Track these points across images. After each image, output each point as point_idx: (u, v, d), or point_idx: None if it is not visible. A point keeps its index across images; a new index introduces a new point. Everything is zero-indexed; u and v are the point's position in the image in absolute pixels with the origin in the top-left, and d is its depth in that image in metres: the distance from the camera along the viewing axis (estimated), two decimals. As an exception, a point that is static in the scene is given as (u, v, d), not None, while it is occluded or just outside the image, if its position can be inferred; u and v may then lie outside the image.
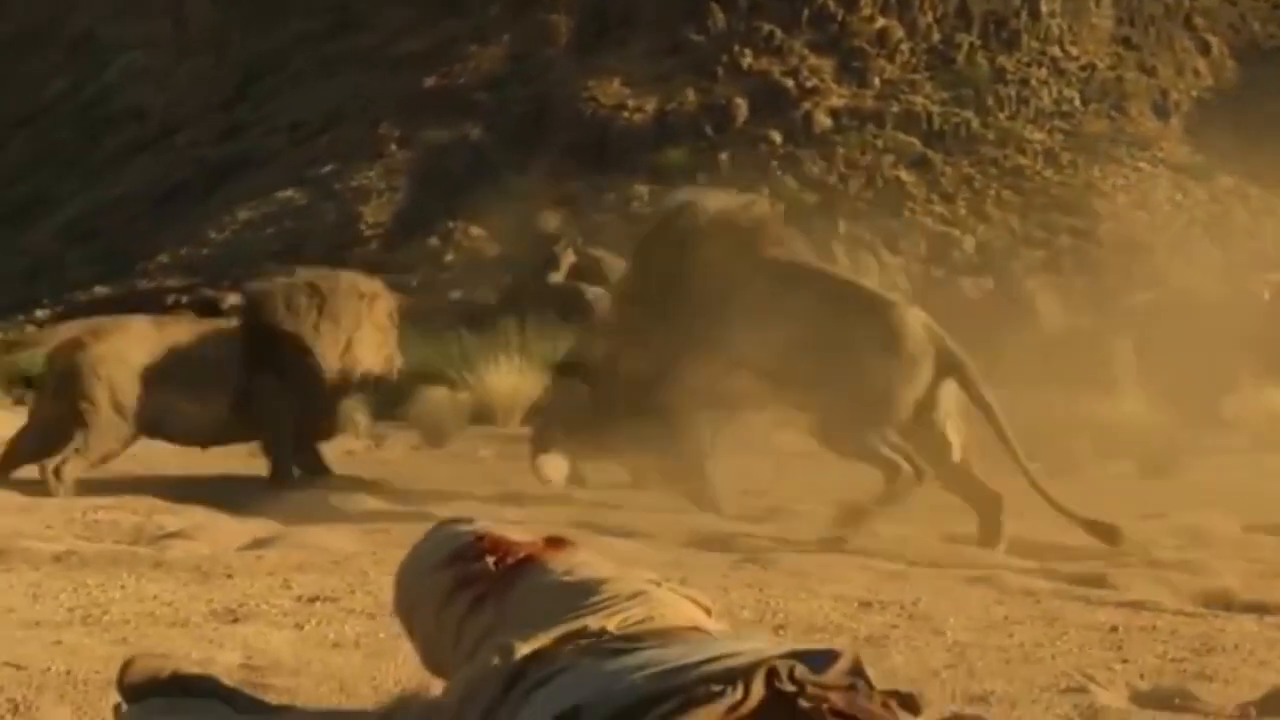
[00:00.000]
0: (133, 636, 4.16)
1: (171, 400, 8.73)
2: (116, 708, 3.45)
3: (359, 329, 9.36)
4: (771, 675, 1.67)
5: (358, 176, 34.47)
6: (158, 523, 6.34)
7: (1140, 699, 3.80)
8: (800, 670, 1.69)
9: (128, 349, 8.77)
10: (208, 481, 8.59)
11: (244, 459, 9.80)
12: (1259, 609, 5.03)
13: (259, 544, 5.98)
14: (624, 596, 2.25)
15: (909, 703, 1.74)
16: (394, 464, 11.00)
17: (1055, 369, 13.09)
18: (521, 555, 2.49)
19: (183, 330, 9.42)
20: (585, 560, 2.47)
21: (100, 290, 32.93)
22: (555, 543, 2.55)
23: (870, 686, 1.74)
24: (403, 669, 3.93)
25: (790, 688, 1.66)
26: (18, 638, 4.14)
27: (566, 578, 2.37)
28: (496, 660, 2.12)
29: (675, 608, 2.31)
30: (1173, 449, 11.01)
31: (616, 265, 25.03)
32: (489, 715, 2.03)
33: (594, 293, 23.96)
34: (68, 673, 3.72)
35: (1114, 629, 4.60)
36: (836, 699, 1.66)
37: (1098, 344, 16.14)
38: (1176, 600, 5.16)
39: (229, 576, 5.17)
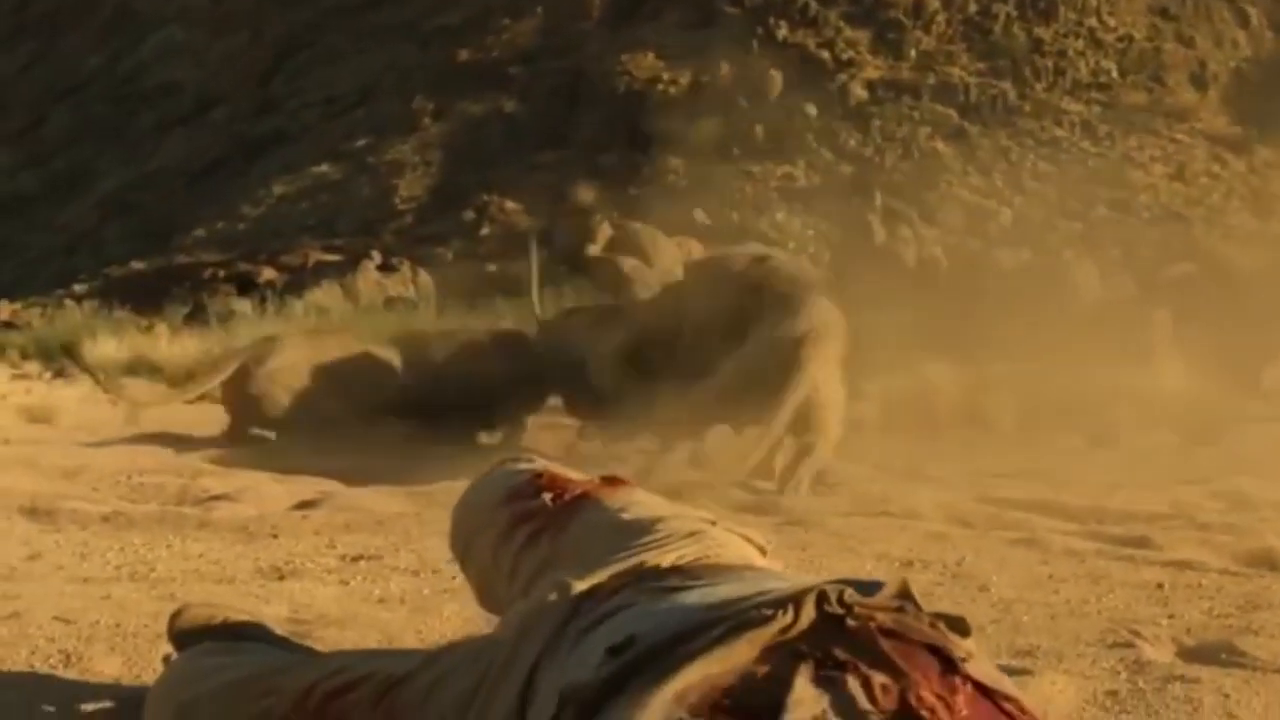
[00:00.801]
0: (180, 592, 4.19)
1: None
2: (166, 658, 3.47)
3: None
4: (821, 599, 1.68)
5: (392, 151, 34.50)
6: (202, 485, 6.38)
7: (1186, 654, 3.79)
8: (850, 594, 1.69)
9: None
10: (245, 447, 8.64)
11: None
12: (1303, 569, 5.01)
13: (304, 505, 6.02)
14: (680, 535, 2.26)
15: (958, 625, 1.74)
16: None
17: (1094, 340, 13.02)
18: (578, 492, 2.51)
19: None
20: (641, 499, 2.47)
21: (137, 265, 33.08)
22: (611, 481, 2.57)
23: (918, 609, 1.74)
24: (448, 624, 3.96)
25: (839, 610, 1.66)
26: (67, 593, 4.19)
27: (623, 515, 2.38)
28: (554, 596, 2.12)
29: (731, 546, 2.31)
30: (1213, 419, 10.97)
31: (652, 238, 24.99)
32: (546, 651, 2.04)
33: (630, 264, 23.92)
34: (116, 625, 3.76)
35: (1159, 586, 4.59)
36: (884, 618, 1.67)
37: (1136, 315, 16.06)
38: (1220, 560, 5.14)
39: (274, 536, 5.21)
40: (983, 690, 1.60)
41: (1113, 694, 3.27)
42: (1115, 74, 28.89)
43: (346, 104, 36.85)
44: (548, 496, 2.50)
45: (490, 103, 33.85)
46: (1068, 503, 6.78)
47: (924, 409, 11.59)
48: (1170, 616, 4.16)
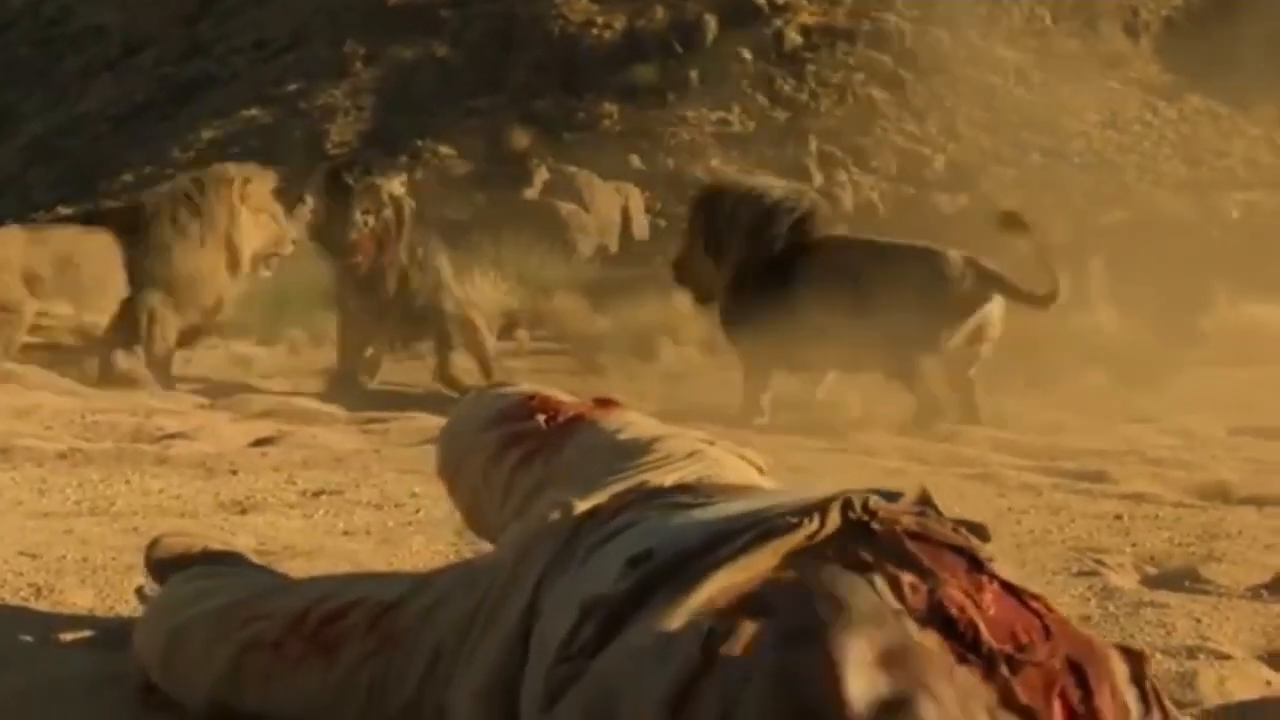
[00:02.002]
0: (142, 526, 4.15)
1: None
2: (139, 590, 3.45)
3: (234, 219, 9.46)
4: (846, 506, 1.68)
5: (323, 95, 34.12)
6: (156, 424, 6.32)
7: (1150, 581, 3.85)
8: (874, 500, 1.70)
9: None
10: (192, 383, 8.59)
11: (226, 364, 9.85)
12: (1257, 501, 5.09)
13: (261, 443, 5.98)
14: (680, 455, 2.26)
15: (979, 530, 1.75)
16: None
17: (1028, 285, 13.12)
18: (572, 414, 2.50)
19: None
20: (635, 420, 2.47)
21: (63, 210, 32.62)
22: (604, 403, 2.56)
23: (940, 514, 1.76)
24: (417, 556, 3.96)
25: (864, 516, 1.67)
26: (29, 527, 4.14)
27: (619, 436, 2.37)
28: (556, 515, 2.12)
29: (730, 466, 2.31)
30: (1150, 362, 11.11)
31: (588, 181, 25.06)
32: (550, 569, 2.03)
33: (567, 209, 23.90)
34: (84, 559, 3.73)
35: (1118, 517, 4.65)
36: (909, 522, 1.68)
37: (1071, 260, 16.20)
38: (1175, 494, 5.23)
39: (233, 473, 5.17)
40: (1009, 589, 1.61)
41: (1085, 619, 3.31)
42: (1049, 21, 28.97)
43: (276, 48, 36.39)
44: (541, 418, 2.49)
45: (423, 47, 33.53)
46: (1017, 440, 6.87)
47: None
48: (1133, 545, 4.22)
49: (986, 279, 8.02)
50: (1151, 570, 3.97)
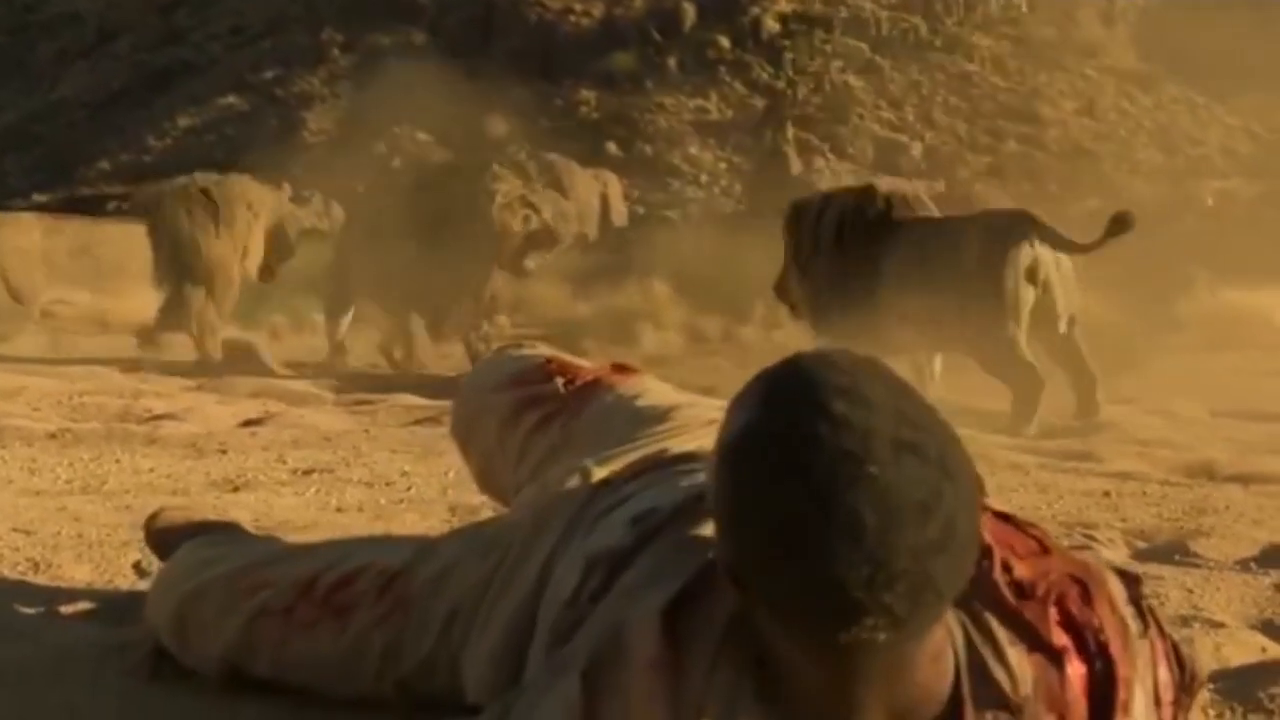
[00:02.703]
0: (134, 504, 4.15)
1: None
2: (136, 564, 3.46)
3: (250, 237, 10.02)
4: None
5: (300, 82, 34.05)
6: (144, 406, 6.33)
7: (1141, 555, 3.87)
8: None
9: None
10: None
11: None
12: (1242, 479, 5.13)
13: (250, 424, 5.99)
14: (698, 423, 2.26)
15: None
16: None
17: (1008, 270, 13.16)
18: (590, 378, 2.50)
19: None
20: (654, 387, 2.46)
21: (39, 198, 32.49)
22: (622, 369, 2.56)
23: None
24: (411, 532, 3.96)
25: None
26: (22, 505, 4.14)
27: (638, 402, 2.37)
28: (574, 482, 2.13)
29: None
30: (1129, 347, 11.16)
31: (569, 169, 24.89)
32: (564, 535, 2.04)
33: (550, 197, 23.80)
34: (79, 536, 3.73)
35: (1106, 494, 4.68)
36: None
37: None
38: (1161, 472, 5.26)
39: (223, 452, 5.18)
40: (1004, 517, 1.64)
41: (1078, 590, 3.32)
42: (1025, 9, 29.01)
43: (253, 34, 36.27)
44: (560, 382, 2.48)
45: (400, 34, 33.47)
46: (1001, 422, 6.89)
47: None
48: (1122, 520, 4.25)
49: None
50: (1141, 545, 4.00)
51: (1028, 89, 27.19)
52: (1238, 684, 2.47)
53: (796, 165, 23.85)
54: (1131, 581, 1.66)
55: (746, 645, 1.47)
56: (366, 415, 6.30)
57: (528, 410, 2.47)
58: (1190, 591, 3.33)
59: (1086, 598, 1.57)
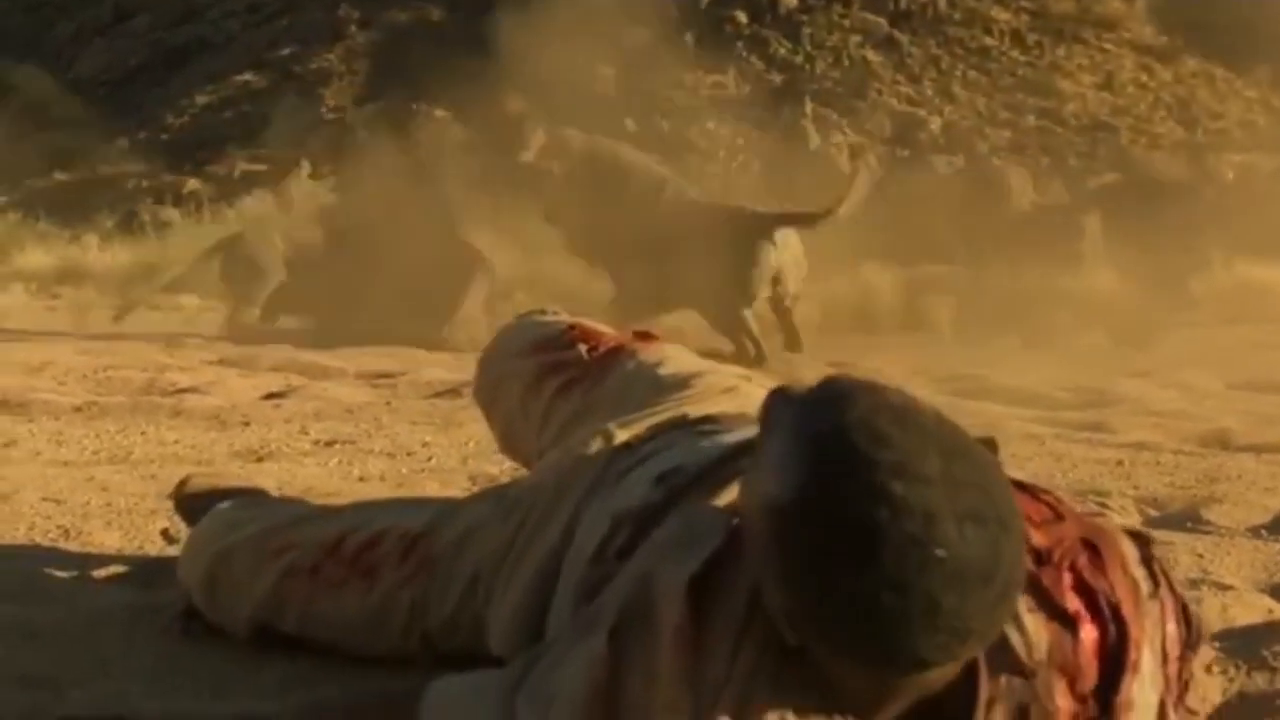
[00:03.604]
0: (160, 474, 4.23)
1: None
2: (164, 531, 3.53)
3: None
4: None
5: (317, 60, 34.07)
6: (169, 379, 6.39)
7: (1153, 523, 3.91)
8: None
9: None
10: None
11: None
12: (1256, 448, 5.14)
13: (273, 396, 6.05)
14: (717, 390, 2.31)
15: (989, 443, 1.77)
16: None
17: (1026, 246, 13.19)
18: (613, 345, 2.55)
19: None
20: (675, 354, 2.51)
21: (59, 176, 32.60)
22: (644, 336, 2.61)
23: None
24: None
25: None
26: (50, 475, 4.21)
27: (659, 370, 2.42)
28: (597, 445, 2.17)
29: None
30: (1144, 323, 11.18)
31: (583, 142, 24.85)
32: (586, 498, 2.09)
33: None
34: (107, 504, 3.80)
35: (1120, 463, 4.71)
36: None
37: (1066, 222, 16.23)
38: (1175, 442, 5.28)
39: (246, 424, 5.24)
40: (1020, 485, 1.66)
41: (1090, 555, 3.37)
42: (1044, -17, 28.93)
43: (270, 12, 36.28)
44: (583, 348, 2.53)
45: (417, 10, 33.48)
46: (1016, 394, 6.91)
47: (863, 310, 11.75)
48: (1135, 488, 4.29)
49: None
50: (1153, 512, 4.04)
51: (1046, 63, 27.11)
52: (1243, 643, 2.52)
53: (814, 140, 23.82)
54: (1143, 542, 1.70)
55: (770, 626, 1.49)
56: (387, 388, 6.36)
57: (550, 376, 2.53)
58: (1200, 556, 3.38)
59: (1099, 561, 1.60)
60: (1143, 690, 1.59)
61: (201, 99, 34.32)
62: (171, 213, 23.63)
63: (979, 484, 1.42)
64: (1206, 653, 2.43)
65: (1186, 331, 11.03)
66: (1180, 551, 3.39)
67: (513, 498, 2.30)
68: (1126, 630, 1.58)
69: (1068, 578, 1.58)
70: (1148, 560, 1.66)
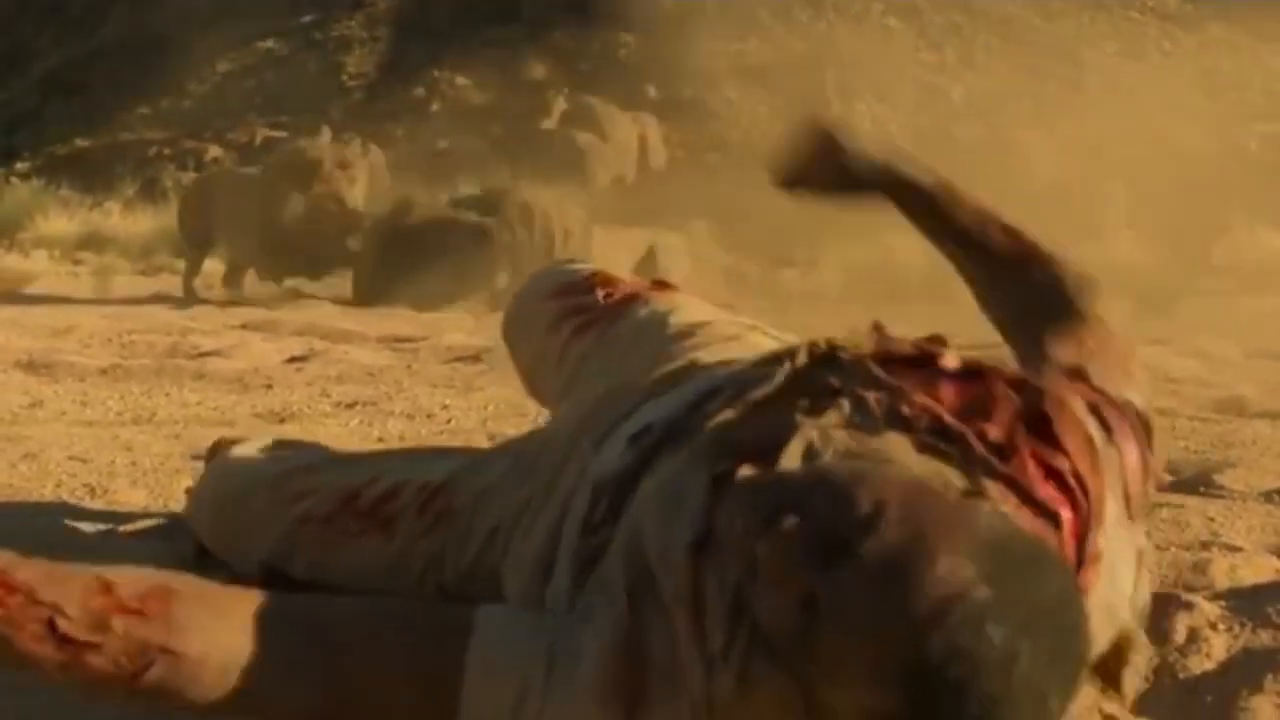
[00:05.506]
0: (184, 434, 4.28)
1: None
2: (188, 490, 3.58)
3: None
4: (812, 346, 1.77)
5: (339, 26, 34.12)
6: (192, 343, 6.45)
7: (1167, 486, 3.93)
8: (836, 338, 1.78)
9: None
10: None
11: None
12: (1271, 415, 5.17)
13: (295, 360, 6.11)
14: (721, 338, 2.36)
15: (936, 339, 1.80)
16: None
17: (1048, 214, 13.19)
18: (629, 291, 2.61)
19: None
20: (686, 303, 2.56)
21: (81, 143, 32.72)
22: (661, 285, 2.67)
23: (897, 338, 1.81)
24: (453, 461, 4.07)
25: (829, 351, 1.75)
26: (76, 435, 4.27)
27: (669, 317, 2.47)
28: (602, 399, 2.21)
29: (767, 347, 2.41)
30: (1166, 290, 11.18)
31: (607, 112, 25.07)
32: (596, 447, 2.13)
33: (585, 139, 23.93)
34: (132, 464, 3.85)
35: (1135, 428, 4.73)
36: (871, 347, 1.74)
37: (1089, 190, 16.22)
38: (1191, 409, 5.30)
39: (269, 387, 5.30)
40: (963, 375, 1.66)
41: (1102, 517, 3.40)
42: (1068, -50, 28.84)
43: (292, -21, 36.33)
44: (601, 293, 2.60)
45: (438, -23, 33.48)
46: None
47: (886, 279, 11.75)
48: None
49: None
50: (1167, 477, 4.05)
51: (1069, 31, 27.03)
52: (1249, 601, 2.54)
53: (836, 108, 23.79)
54: (1092, 392, 1.71)
55: (754, 610, 1.46)
56: (408, 352, 6.41)
57: (568, 319, 2.60)
58: (1211, 519, 3.40)
59: (1052, 435, 1.59)
60: (1108, 538, 1.60)
61: (223, 66, 34.41)
62: (193, 179, 23.70)
63: (1027, 600, 1.31)
64: (1212, 610, 2.46)
65: (1207, 299, 11.03)
66: (1192, 514, 3.41)
67: (532, 454, 2.34)
68: (1092, 502, 1.57)
69: (1032, 465, 1.56)
70: (1094, 407, 1.67)
